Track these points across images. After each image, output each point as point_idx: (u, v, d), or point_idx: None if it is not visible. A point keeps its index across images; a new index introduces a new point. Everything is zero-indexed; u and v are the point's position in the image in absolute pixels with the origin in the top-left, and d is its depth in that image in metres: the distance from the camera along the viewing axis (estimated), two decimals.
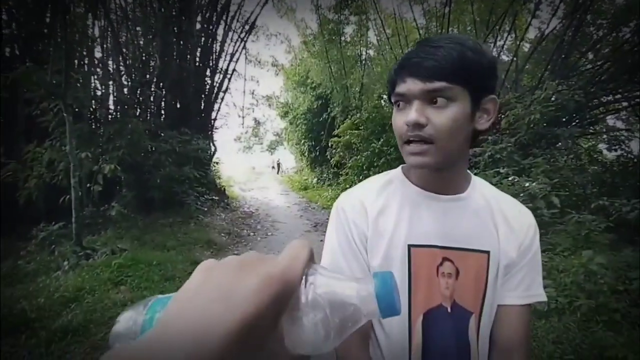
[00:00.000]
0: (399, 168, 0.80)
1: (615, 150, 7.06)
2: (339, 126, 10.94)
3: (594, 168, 6.27)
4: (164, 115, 9.03)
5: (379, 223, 0.73)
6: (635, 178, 5.58)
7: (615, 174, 6.08)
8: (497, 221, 0.73)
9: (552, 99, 5.73)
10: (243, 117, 14.84)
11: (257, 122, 23.63)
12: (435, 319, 0.69)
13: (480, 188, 0.76)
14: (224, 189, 10.91)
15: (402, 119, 0.66)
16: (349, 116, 11.07)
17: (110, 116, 7.67)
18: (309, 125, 15.80)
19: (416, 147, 0.65)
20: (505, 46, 9.29)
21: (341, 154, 10.42)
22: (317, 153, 15.37)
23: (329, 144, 11.43)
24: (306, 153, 16.69)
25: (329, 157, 12.10)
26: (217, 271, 0.27)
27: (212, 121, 10.65)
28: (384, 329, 0.72)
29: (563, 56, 7.24)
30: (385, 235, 0.72)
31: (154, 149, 7.26)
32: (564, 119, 6.53)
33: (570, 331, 2.77)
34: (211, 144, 10.36)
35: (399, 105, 0.68)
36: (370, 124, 9.41)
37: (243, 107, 14.39)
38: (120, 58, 7.97)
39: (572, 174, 5.19)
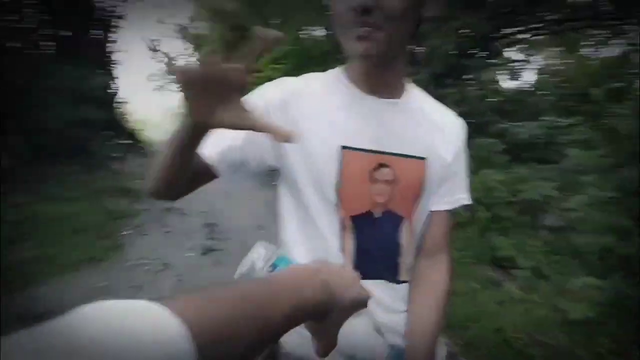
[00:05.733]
0: (338, 68, 0.74)
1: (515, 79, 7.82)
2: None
3: (494, 98, 6.91)
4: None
5: (307, 113, 0.68)
6: (530, 106, 6.30)
7: (513, 102, 6.79)
8: (432, 127, 0.72)
9: (463, 30, 5.96)
10: (154, 50, 12.99)
11: (169, 58, 21.19)
12: (363, 225, 0.69)
13: (415, 94, 0.74)
14: (137, 133, 9.92)
15: (344, 3, 0.58)
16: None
17: None
18: None
19: (365, 30, 0.58)
20: None
21: None
22: None
23: None
24: None
25: None
26: (341, 282, 0.42)
27: (108, 54, 9.23)
28: (317, 226, 0.69)
29: None
30: (315, 134, 0.66)
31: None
32: (470, 51, 6.90)
33: (471, 239, 3.22)
34: (113, 81, 9.07)
35: None
36: (292, 58, 9.00)
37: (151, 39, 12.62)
38: None
39: (479, 102, 5.67)
